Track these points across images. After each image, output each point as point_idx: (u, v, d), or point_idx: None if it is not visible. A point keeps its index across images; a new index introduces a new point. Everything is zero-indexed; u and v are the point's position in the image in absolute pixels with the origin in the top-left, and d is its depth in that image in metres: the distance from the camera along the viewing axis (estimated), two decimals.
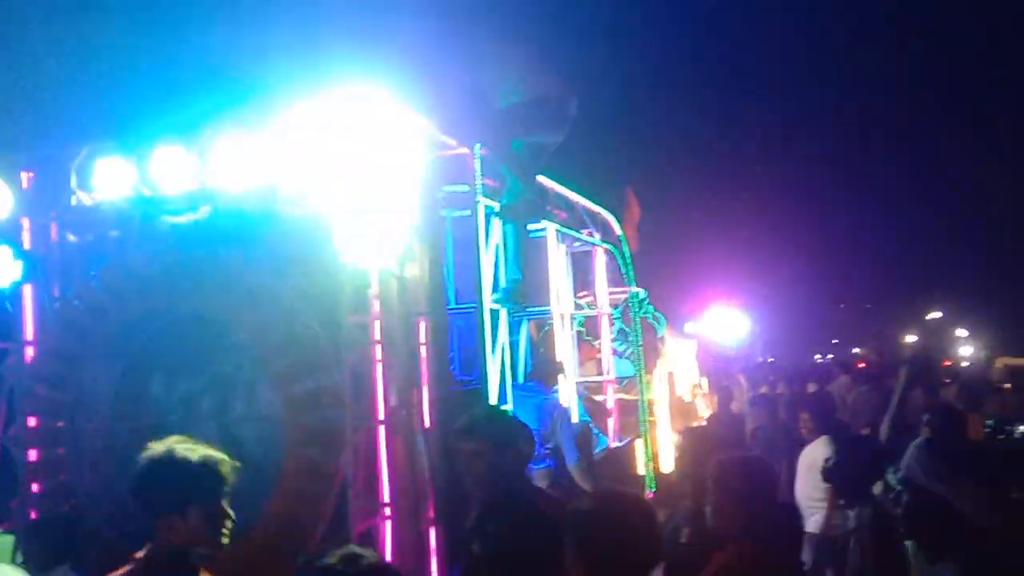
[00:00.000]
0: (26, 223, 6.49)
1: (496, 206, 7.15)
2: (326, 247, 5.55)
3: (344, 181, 5.59)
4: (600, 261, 10.17)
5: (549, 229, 8.70)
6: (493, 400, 6.69)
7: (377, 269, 5.64)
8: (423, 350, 5.90)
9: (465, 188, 6.85)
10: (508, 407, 6.99)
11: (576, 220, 9.71)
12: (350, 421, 5.52)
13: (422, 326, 5.91)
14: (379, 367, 5.61)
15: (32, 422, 6.26)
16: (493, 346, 6.77)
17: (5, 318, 6.52)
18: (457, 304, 8.05)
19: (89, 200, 6.31)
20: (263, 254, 5.78)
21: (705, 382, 15.22)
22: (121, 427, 6.35)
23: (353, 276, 5.61)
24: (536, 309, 8.96)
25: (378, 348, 5.63)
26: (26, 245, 6.48)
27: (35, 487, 6.19)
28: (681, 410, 12.13)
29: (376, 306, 5.67)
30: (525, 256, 7.28)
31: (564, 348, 8.78)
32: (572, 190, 9.45)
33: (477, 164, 6.81)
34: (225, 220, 5.97)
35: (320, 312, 5.66)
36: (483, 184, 6.93)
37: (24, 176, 6.44)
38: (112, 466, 6.24)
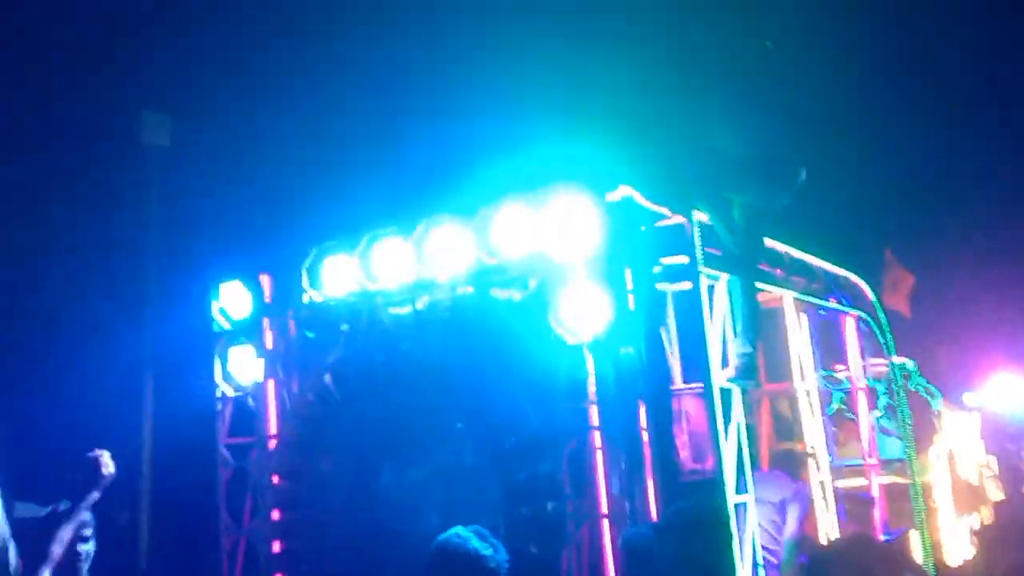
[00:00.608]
0: (266, 323, 6.88)
1: (718, 275, 6.66)
2: (540, 328, 5.36)
3: (557, 258, 5.41)
4: (851, 330, 9.20)
5: (786, 298, 8.00)
6: (730, 491, 6.09)
7: (591, 350, 5.34)
8: (644, 435, 5.46)
9: (684, 259, 6.44)
10: (746, 498, 6.33)
11: (819, 287, 8.89)
12: (571, 514, 5.18)
13: (642, 409, 5.49)
14: (599, 454, 5.25)
15: (275, 515, 6.47)
16: (726, 429, 6.19)
17: (248, 414, 6.89)
18: (685, 383, 7.45)
19: (320, 297, 6.58)
20: (478, 341, 5.69)
21: (994, 461, 13.26)
22: (358, 518, 6.43)
23: (568, 357, 5.35)
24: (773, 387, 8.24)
25: (596, 434, 5.29)
26: (267, 344, 6.83)
27: None
28: (967, 493, 10.57)
29: (592, 389, 5.35)
30: (757, 327, 6.66)
31: (813, 430, 7.92)
32: (813, 255, 8.69)
33: (696, 232, 6.40)
34: (441, 310, 5.97)
35: (535, 397, 5.43)
36: (704, 253, 6.49)
37: (263, 278, 6.84)
38: (351, 555, 6.30)
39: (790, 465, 7.28)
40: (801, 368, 8.07)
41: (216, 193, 8.36)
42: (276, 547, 6.48)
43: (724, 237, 6.34)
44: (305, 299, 6.66)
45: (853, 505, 8.27)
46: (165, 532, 7.53)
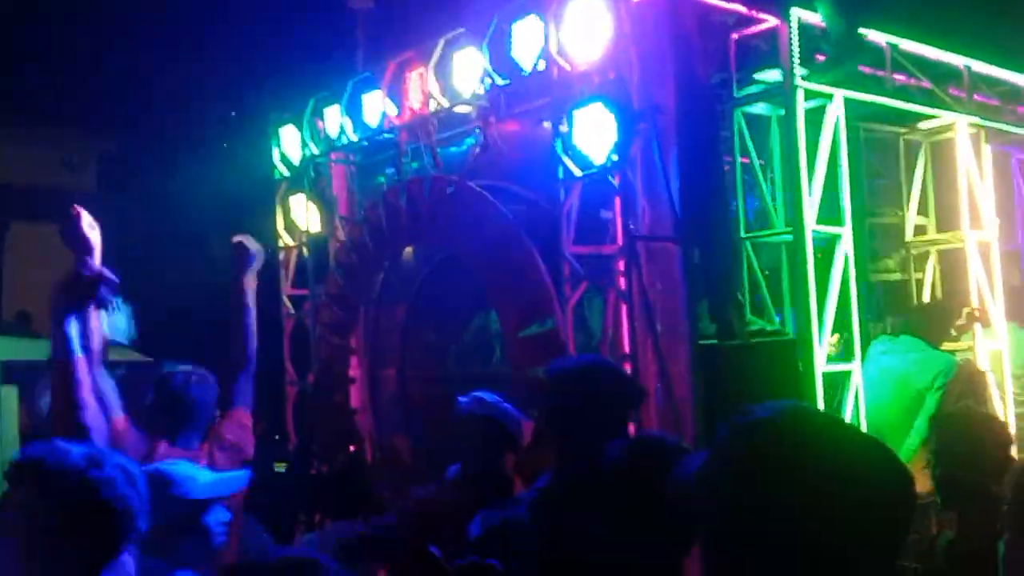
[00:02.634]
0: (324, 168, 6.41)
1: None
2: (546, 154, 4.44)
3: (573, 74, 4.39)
4: None
5: (959, 125, 6.30)
6: (820, 357, 4.92)
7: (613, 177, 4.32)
8: (682, 284, 4.43)
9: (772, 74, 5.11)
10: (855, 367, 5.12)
11: (1016, 112, 6.98)
12: None
13: (677, 255, 4.43)
14: (613, 307, 4.32)
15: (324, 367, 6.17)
16: (817, 280, 4.97)
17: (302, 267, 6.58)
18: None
19: (355, 137, 6.00)
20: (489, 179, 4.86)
21: None
22: (409, 377, 5.99)
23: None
24: (946, 235, 6.63)
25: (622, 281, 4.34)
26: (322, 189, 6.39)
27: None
28: None
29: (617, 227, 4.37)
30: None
31: (981, 285, 6.32)
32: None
33: (792, 36, 5.03)
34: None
35: (542, 239, 4.56)
36: (801, 64, 5.11)
37: (322, 119, 6.28)
38: (401, 414, 5.92)
39: (929, 325, 5.80)
40: (980, 213, 6.43)
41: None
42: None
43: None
44: (345, 139, 6.09)
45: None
46: None
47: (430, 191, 5.26)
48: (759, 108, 5.64)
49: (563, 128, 4.43)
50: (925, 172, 6.90)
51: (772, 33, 5.14)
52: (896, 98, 5.83)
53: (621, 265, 4.25)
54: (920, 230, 6.94)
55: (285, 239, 6.73)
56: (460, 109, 5.19)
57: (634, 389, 3.02)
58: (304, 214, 6.49)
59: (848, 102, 5.46)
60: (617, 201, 4.36)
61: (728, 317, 4.72)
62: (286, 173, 6.67)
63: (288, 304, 6.73)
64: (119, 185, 11.91)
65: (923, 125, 6.72)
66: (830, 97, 5.33)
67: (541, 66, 4.60)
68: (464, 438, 3.51)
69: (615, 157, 4.22)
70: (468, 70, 5.06)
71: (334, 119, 6.16)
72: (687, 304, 4.38)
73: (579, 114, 4.37)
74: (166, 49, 9.42)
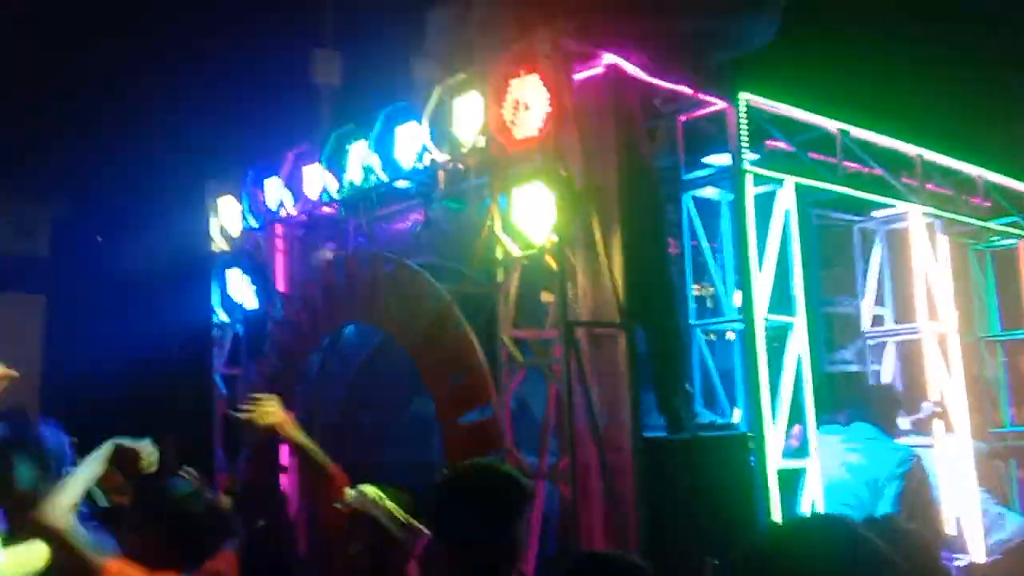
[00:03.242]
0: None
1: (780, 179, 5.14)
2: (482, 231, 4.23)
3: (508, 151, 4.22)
4: None
5: (912, 215, 6.23)
6: (773, 452, 4.67)
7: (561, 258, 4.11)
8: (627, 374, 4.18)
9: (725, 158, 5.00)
10: (811, 463, 4.88)
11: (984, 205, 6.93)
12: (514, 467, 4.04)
13: (621, 342, 4.20)
14: (557, 397, 4.06)
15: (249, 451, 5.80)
16: (771, 372, 4.77)
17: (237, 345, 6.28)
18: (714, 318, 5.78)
19: (295, 211, 5.78)
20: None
21: None
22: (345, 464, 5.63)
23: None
24: (904, 327, 6.51)
25: (559, 370, 4.09)
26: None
27: None
28: None
29: (554, 313, 4.14)
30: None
31: (941, 380, 6.16)
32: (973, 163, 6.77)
33: (740, 119, 4.93)
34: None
35: (481, 321, 4.31)
36: (751, 148, 5.02)
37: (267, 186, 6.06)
38: None
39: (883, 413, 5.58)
40: (936, 304, 6.32)
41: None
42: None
43: None
44: (284, 212, 5.86)
45: None
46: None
47: (368, 268, 5.03)
48: (710, 192, 5.53)
49: (500, 207, 4.24)
50: (881, 261, 6.81)
51: (721, 116, 5.05)
52: (848, 186, 5.74)
53: (559, 352, 4.00)
54: (878, 320, 6.81)
55: (221, 315, 6.42)
56: (400, 184, 4.99)
57: (518, 491, 2.69)
58: (241, 289, 6.19)
59: (800, 188, 5.36)
60: (564, 285, 4.14)
61: (676, 409, 4.47)
62: (224, 246, 6.41)
63: (220, 384, 6.38)
64: (70, 250, 11.57)
65: (878, 213, 6.65)
66: (780, 182, 5.23)
67: (480, 143, 4.42)
68: (351, 535, 3.20)
69: (554, 238, 4.02)
70: (410, 144, 4.88)
71: (273, 191, 5.94)
72: (631, 394, 4.13)
73: (518, 192, 4.19)
74: (115, 115, 9.23)
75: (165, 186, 7.40)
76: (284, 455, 5.74)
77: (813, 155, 5.60)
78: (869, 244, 6.87)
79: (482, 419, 4.16)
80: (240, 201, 6.22)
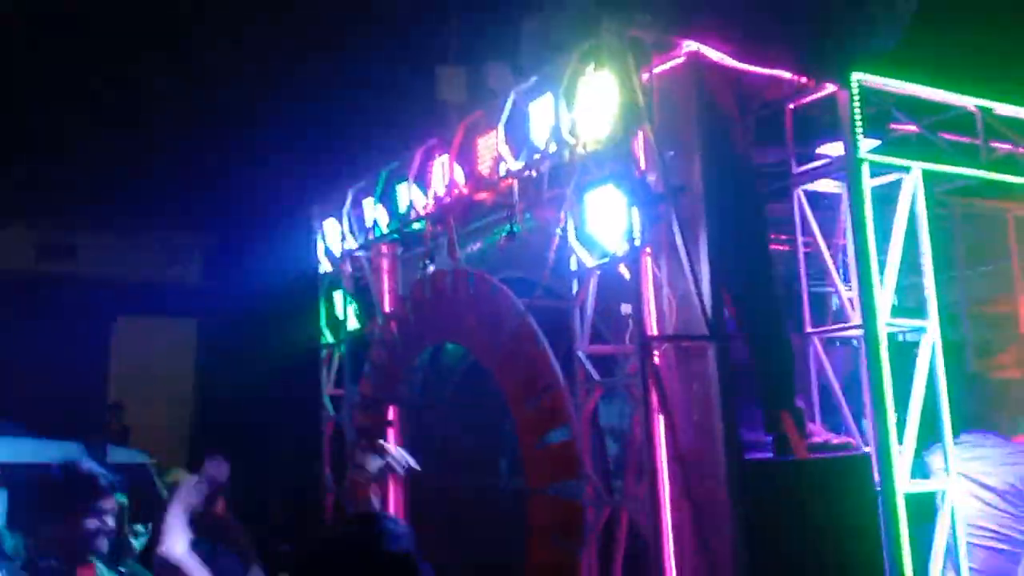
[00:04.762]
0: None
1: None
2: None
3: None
4: None
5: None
6: (900, 473, 4.12)
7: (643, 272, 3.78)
8: (716, 391, 3.77)
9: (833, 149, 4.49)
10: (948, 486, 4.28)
11: None
12: (592, 498, 3.74)
13: (710, 355, 3.80)
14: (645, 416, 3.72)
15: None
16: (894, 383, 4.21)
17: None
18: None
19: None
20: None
21: None
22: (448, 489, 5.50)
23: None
24: None
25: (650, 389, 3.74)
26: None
27: None
28: None
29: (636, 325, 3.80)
30: None
31: None
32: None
33: (853, 103, 4.41)
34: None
35: (559, 339, 4.03)
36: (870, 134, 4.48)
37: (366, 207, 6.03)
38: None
39: None
40: None
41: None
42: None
43: None
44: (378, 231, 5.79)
45: None
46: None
47: (452, 285, 4.85)
48: (827, 186, 5.00)
49: (575, 214, 3.95)
50: None
51: (833, 101, 4.54)
52: (991, 170, 5.04)
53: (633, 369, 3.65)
54: None
55: (327, 336, 6.44)
56: (479, 196, 4.79)
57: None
58: (345, 310, 6.19)
59: (936, 176, 4.76)
60: (640, 295, 3.78)
61: (782, 427, 4.01)
62: (329, 268, 6.43)
63: (328, 406, 6.39)
64: (222, 276, 12.18)
65: None
66: (906, 170, 4.64)
67: (553, 148, 4.15)
68: None
69: (627, 246, 3.68)
70: (489, 154, 4.67)
71: (370, 211, 5.89)
72: (724, 413, 3.72)
73: (590, 198, 3.88)
74: (244, 144, 9.62)
75: (281, 211, 7.55)
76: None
77: (948, 136, 4.97)
78: None
79: (559, 442, 3.87)
80: (340, 223, 6.22)
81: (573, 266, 4.01)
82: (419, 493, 5.56)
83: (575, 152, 4.04)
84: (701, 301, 3.73)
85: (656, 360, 3.76)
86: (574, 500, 3.81)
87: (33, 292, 11.29)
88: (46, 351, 10.60)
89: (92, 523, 2.97)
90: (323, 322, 6.45)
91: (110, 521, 3.04)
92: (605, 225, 3.81)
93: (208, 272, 12.87)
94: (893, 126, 4.95)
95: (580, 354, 3.88)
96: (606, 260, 3.83)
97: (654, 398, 3.57)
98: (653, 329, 3.81)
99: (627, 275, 3.72)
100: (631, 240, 3.69)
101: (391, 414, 5.79)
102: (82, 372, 11.09)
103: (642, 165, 3.81)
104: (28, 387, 10.15)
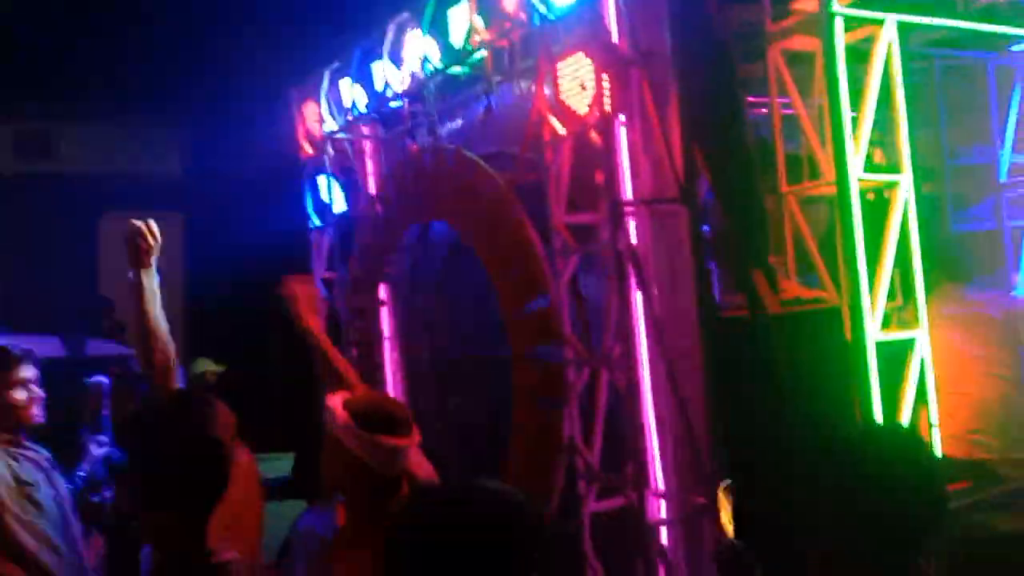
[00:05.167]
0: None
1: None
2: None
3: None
4: None
5: None
6: (873, 327, 4.27)
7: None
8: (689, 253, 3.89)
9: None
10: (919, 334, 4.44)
11: None
12: (572, 360, 3.91)
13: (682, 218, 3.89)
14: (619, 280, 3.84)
15: (354, 352, 5.94)
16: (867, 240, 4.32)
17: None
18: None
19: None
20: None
21: None
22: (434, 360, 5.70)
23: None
24: None
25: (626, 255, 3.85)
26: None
27: None
28: None
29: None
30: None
31: None
32: None
33: None
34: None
35: (537, 210, 4.10)
36: None
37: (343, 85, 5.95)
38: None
39: None
40: None
41: None
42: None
43: None
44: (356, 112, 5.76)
45: None
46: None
47: (432, 162, 4.89)
48: (803, 44, 4.96)
49: (547, 83, 3.95)
50: (1022, 102, 5.97)
51: None
52: (972, 20, 4.99)
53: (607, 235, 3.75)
54: (1018, 170, 6.03)
55: (315, 220, 6.50)
56: (455, 70, 4.76)
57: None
58: (331, 194, 6.23)
59: (919, 27, 4.73)
60: (612, 161, 3.84)
61: (754, 285, 4.13)
62: (311, 151, 6.43)
63: (322, 288, 6.50)
64: (205, 167, 12.13)
65: (1017, 48, 5.80)
66: (880, 23, 4.61)
67: (523, 17, 4.11)
68: None
69: (597, 112, 3.71)
70: (463, 27, 4.62)
71: (347, 92, 5.85)
72: (696, 273, 3.84)
73: (561, 66, 3.88)
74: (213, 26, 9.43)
75: (261, 96, 7.46)
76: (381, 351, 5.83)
77: None
78: (1008, 85, 6.01)
79: (539, 309, 4.01)
80: (319, 105, 6.18)
81: (547, 137, 4.05)
82: (413, 364, 5.76)
83: (545, 19, 4.01)
84: (673, 165, 3.79)
85: (631, 227, 3.85)
86: (555, 363, 3.97)
87: (16, 191, 11.29)
88: (34, 250, 10.70)
89: (19, 393, 3.10)
90: (310, 206, 6.50)
91: (37, 390, 3.13)
92: (576, 93, 3.82)
93: (191, 164, 12.81)
94: None
95: (556, 222, 3.96)
96: (581, 128, 3.86)
97: (628, 263, 3.67)
98: (629, 195, 3.89)
99: (598, 142, 3.76)
100: (601, 106, 3.71)
101: (383, 293, 5.91)
102: (70, 269, 11.19)
103: (611, 30, 3.79)
104: (16, 286, 10.29)
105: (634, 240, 3.86)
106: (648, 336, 3.73)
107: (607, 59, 3.73)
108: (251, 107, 9.39)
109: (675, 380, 3.72)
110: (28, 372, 3.21)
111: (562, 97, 3.90)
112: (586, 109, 3.77)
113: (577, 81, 3.82)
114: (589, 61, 3.74)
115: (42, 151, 11.86)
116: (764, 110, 4.94)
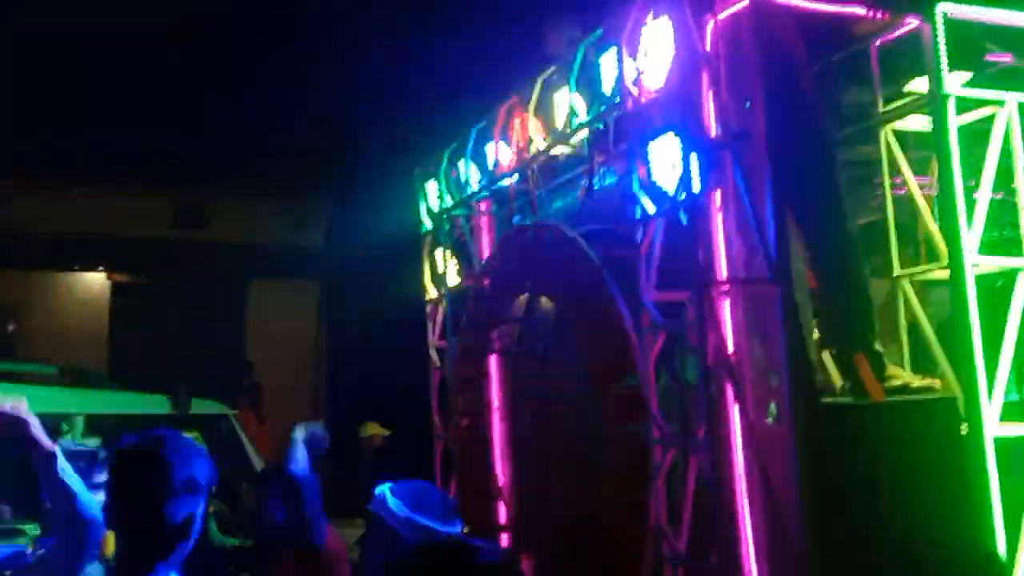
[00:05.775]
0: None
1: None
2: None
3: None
4: None
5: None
6: (991, 419, 4.00)
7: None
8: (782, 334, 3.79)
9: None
10: None
11: None
12: (659, 439, 3.87)
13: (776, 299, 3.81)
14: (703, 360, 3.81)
15: (464, 422, 6.06)
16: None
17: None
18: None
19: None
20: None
21: None
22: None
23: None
24: None
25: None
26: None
27: None
28: None
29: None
30: None
31: None
32: None
33: (936, 35, 4.25)
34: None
35: (632, 288, 4.13)
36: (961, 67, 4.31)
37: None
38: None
39: None
40: None
41: None
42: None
43: None
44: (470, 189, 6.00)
45: None
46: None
47: (533, 238, 5.01)
48: (919, 124, 4.82)
49: (640, 164, 4.02)
50: None
51: (918, 36, 4.37)
52: None
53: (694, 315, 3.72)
54: None
55: (430, 291, 6.75)
56: (556, 151, 4.90)
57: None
58: (446, 266, 6.47)
59: None
60: (700, 241, 3.84)
61: (857, 370, 3.98)
62: (430, 226, 6.72)
63: (435, 357, 6.71)
64: (341, 240, 12.79)
65: None
66: (1001, 103, 4.43)
67: (617, 99, 4.21)
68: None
69: (684, 193, 3.73)
70: (565, 108, 4.77)
71: (464, 170, 6.11)
72: (790, 354, 3.73)
73: (654, 147, 3.94)
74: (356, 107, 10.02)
75: (396, 173, 7.87)
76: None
77: None
78: None
79: (630, 386, 4.00)
80: (438, 183, 6.48)
81: (638, 215, 4.09)
82: (519, 431, 5.82)
83: (638, 102, 4.10)
84: (764, 245, 3.74)
85: (723, 308, 3.82)
86: (643, 441, 3.93)
87: (172, 257, 12.23)
88: (188, 314, 11.53)
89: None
90: (427, 278, 6.76)
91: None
92: (666, 172, 3.86)
93: (329, 236, 13.54)
94: (989, 57, 4.72)
95: (646, 300, 3.97)
96: (669, 207, 3.89)
97: (711, 342, 3.63)
98: (723, 274, 3.87)
99: (686, 221, 3.77)
100: (689, 187, 3.74)
101: (491, 364, 6.04)
102: (222, 332, 11.96)
103: (705, 112, 3.83)
104: (171, 345, 11.08)
105: (726, 320, 3.82)
106: (741, 420, 3.65)
107: (696, 141, 3.76)
108: (387, 184, 9.91)
109: (764, 467, 3.60)
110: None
111: (653, 177, 3.95)
112: (674, 189, 3.80)
113: (667, 161, 3.86)
114: (678, 141, 3.78)
115: (196, 221, 12.85)
116: (903, 190, 4.81)
